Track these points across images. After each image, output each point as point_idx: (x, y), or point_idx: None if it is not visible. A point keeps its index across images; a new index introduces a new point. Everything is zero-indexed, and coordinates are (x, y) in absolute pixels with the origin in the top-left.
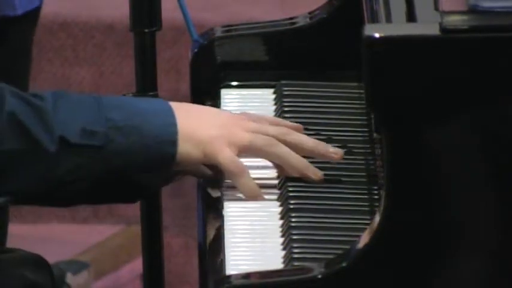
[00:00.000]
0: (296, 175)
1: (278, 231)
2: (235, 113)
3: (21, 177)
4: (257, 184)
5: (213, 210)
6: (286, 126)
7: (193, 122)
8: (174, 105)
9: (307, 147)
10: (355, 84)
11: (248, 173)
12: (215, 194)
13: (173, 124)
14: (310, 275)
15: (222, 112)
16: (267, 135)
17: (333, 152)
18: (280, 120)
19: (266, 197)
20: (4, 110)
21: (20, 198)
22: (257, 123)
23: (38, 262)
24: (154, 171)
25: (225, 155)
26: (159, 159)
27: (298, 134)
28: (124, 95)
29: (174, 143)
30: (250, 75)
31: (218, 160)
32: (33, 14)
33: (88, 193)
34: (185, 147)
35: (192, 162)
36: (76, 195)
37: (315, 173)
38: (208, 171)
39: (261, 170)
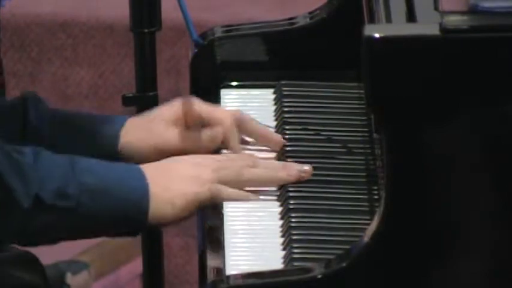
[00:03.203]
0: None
1: (278, 231)
2: (202, 158)
3: None
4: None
5: (213, 210)
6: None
7: (165, 182)
8: (144, 167)
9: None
10: (355, 84)
11: (227, 190)
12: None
13: (144, 188)
14: (310, 275)
15: (188, 161)
16: (235, 166)
17: (302, 171)
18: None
19: (266, 197)
20: None
21: None
22: (227, 162)
23: (29, 260)
24: (125, 232)
25: (209, 195)
26: (130, 222)
27: (265, 160)
28: (124, 95)
29: (144, 209)
30: (250, 75)
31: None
32: None
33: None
34: (158, 208)
35: (169, 220)
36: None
37: (289, 176)
38: None
39: None
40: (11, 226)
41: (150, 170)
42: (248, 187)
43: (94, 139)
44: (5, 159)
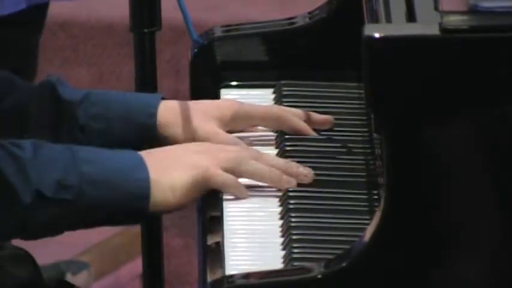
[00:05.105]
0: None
1: (278, 231)
2: (205, 145)
3: None
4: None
5: (213, 210)
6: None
7: (166, 168)
8: (145, 154)
9: (278, 167)
10: (355, 84)
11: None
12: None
13: (145, 179)
14: (310, 275)
15: (190, 148)
16: (237, 156)
17: (303, 173)
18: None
19: (266, 197)
20: None
21: None
22: (229, 151)
23: (22, 256)
24: (127, 221)
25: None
26: (131, 212)
27: (271, 155)
28: None
29: (146, 197)
30: (250, 75)
31: (213, 185)
32: (25, 16)
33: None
34: (159, 195)
35: (171, 206)
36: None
37: (289, 182)
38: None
39: None
40: (13, 222)
41: (151, 157)
42: (246, 178)
43: (131, 119)
44: (5, 155)
